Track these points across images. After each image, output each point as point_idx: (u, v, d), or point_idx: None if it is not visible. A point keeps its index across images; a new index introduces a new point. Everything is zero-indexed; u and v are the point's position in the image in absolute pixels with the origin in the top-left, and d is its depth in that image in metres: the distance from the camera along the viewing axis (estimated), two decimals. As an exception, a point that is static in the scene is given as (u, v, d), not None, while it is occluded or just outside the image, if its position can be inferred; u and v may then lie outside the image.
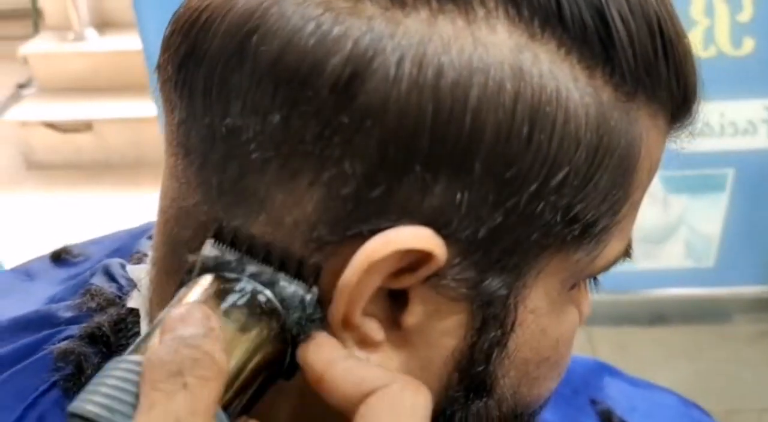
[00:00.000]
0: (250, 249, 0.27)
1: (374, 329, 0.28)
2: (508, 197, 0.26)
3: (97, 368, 0.34)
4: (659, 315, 1.81)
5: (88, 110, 2.73)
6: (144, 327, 0.35)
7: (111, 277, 0.39)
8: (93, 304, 0.38)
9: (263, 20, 0.25)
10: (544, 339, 0.31)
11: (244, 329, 0.26)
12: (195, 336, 0.24)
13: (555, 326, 0.31)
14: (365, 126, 0.25)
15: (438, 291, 0.28)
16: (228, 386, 0.25)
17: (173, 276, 0.30)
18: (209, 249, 0.27)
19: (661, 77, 0.28)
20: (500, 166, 0.25)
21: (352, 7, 0.25)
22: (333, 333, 0.27)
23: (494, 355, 0.30)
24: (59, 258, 0.46)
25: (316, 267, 0.27)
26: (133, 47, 2.45)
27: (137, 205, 2.39)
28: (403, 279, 0.27)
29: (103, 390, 0.23)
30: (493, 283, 0.28)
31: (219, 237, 0.27)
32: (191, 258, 0.28)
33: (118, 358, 0.24)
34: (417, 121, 0.25)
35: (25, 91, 3.05)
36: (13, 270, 0.47)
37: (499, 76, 0.25)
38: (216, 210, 0.28)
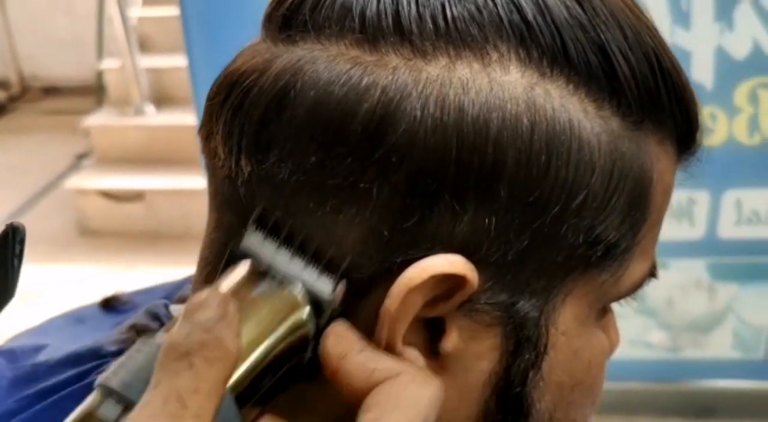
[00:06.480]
0: (287, 239, 0.28)
1: (415, 357, 0.29)
2: (533, 220, 0.28)
3: None
4: (706, 408, 1.74)
5: (141, 181, 2.83)
6: None
7: (155, 316, 0.41)
8: (137, 338, 0.39)
9: (299, 77, 0.28)
10: (576, 362, 0.32)
11: (268, 317, 0.27)
12: (208, 319, 0.25)
13: (586, 348, 0.33)
14: (395, 162, 0.27)
15: (472, 317, 0.29)
16: (246, 371, 0.26)
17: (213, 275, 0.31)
18: (248, 238, 0.29)
19: (663, 106, 0.31)
20: (523, 191, 0.28)
21: (378, 60, 0.28)
22: None
23: (530, 377, 0.31)
24: (108, 305, 0.48)
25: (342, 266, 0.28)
26: (186, 122, 2.54)
27: (183, 274, 2.43)
28: (439, 307, 0.29)
29: (128, 367, 0.25)
30: (524, 306, 0.30)
31: (259, 226, 0.29)
32: (232, 247, 0.29)
33: (145, 339, 0.26)
34: (443, 154, 0.27)
35: (84, 162, 3.19)
36: (64, 315, 0.49)
37: (516, 111, 0.27)
38: None
